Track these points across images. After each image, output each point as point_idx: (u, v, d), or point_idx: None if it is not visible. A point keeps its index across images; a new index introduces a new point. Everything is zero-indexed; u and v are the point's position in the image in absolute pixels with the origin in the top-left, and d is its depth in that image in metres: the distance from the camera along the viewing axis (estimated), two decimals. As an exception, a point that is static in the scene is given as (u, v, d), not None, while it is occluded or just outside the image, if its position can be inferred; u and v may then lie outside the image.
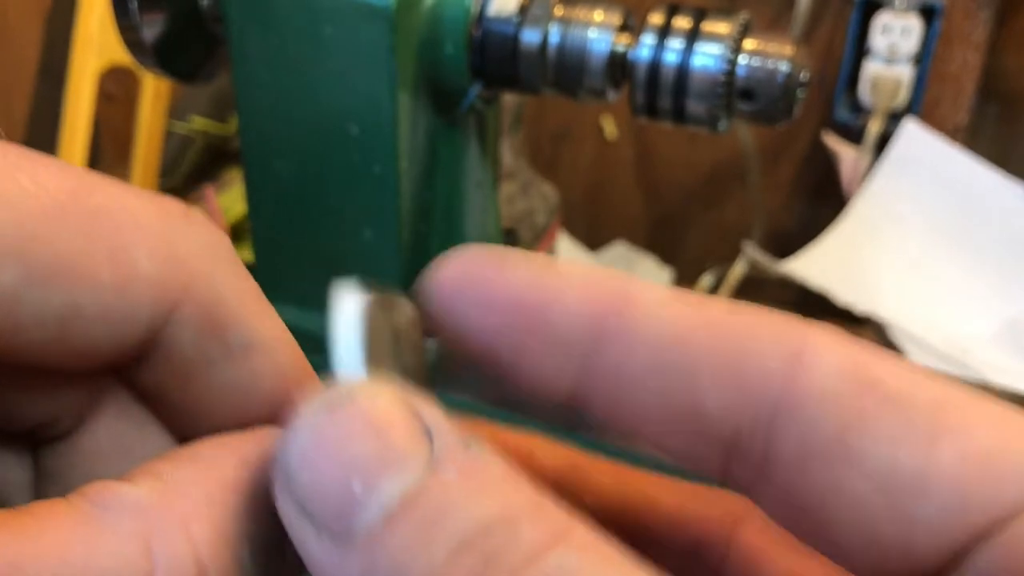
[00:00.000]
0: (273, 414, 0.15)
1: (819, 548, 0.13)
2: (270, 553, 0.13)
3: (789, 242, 0.79)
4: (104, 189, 0.14)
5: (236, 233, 0.72)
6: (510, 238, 0.46)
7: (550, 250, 0.69)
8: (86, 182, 0.13)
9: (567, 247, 0.82)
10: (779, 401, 0.13)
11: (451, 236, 0.40)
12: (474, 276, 0.15)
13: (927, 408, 0.13)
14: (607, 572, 0.11)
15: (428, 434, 0.12)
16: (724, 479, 0.14)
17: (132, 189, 0.14)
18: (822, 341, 0.14)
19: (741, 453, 0.14)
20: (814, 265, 0.70)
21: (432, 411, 0.13)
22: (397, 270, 0.38)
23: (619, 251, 0.85)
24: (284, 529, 0.13)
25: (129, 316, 0.13)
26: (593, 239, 0.87)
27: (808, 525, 0.13)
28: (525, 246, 0.47)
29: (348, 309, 0.14)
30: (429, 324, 0.16)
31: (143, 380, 0.15)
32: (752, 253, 0.76)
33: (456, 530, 0.11)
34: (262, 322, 0.15)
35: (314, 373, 0.15)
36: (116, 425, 0.15)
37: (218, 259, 0.15)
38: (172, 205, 0.15)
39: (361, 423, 0.12)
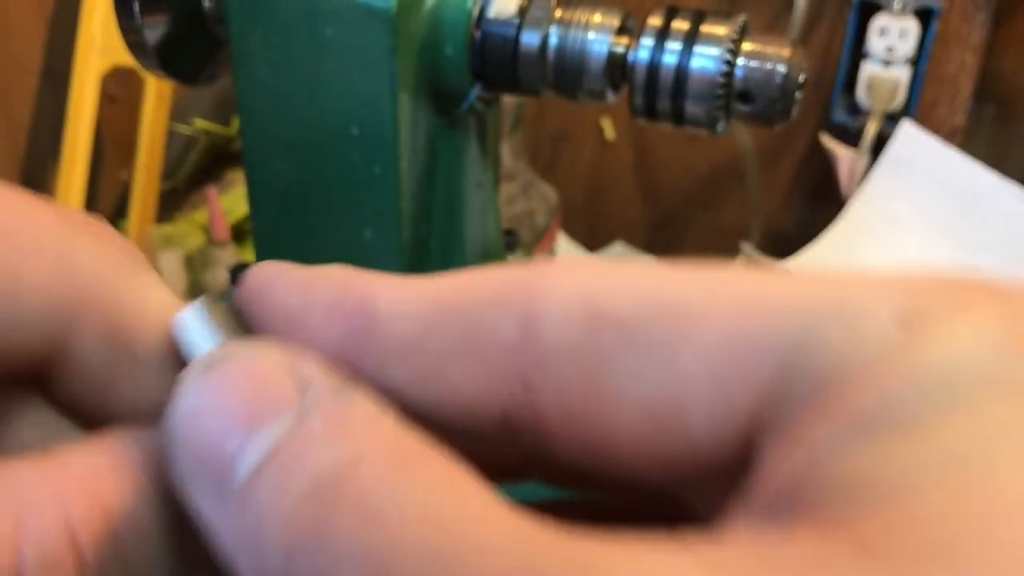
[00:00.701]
0: None
1: (618, 481, 0.13)
2: (178, 535, 0.13)
3: (787, 243, 0.79)
4: (2, 202, 0.14)
5: (238, 233, 0.72)
6: (510, 239, 0.46)
7: (550, 251, 0.70)
8: None
9: (566, 248, 0.82)
10: (525, 370, 0.13)
11: (451, 237, 0.40)
12: (255, 291, 0.15)
13: (659, 325, 0.12)
14: (445, 503, 0.11)
15: (304, 386, 0.12)
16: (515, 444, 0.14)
17: (35, 202, 0.14)
18: (552, 285, 0.13)
19: (516, 425, 0.13)
20: (812, 265, 0.71)
21: (310, 364, 0.13)
22: (397, 270, 0.38)
23: (618, 252, 0.86)
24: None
25: (20, 325, 0.14)
26: (592, 240, 0.87)
27: (601, 466, 0.13)
28: (525, 247, 0.47)
29: (189, 308, 0.15)
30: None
31: (59, 392, 0.15)
32: (750, 254, 0.76)
33: (307, 478, 0.11)
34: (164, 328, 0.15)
35: None
36: (34, 434, 0.15)
37: (121, 271, 0.15)
38: (75, 217, 0.15)
39: (236, 380, 0.12)
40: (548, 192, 0.69)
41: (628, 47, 0.35)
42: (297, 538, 0.11)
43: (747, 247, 0.77)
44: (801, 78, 0.34)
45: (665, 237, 0.87)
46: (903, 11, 0.68)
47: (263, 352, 0.13)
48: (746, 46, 0.34)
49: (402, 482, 0.11)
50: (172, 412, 0.13)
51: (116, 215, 0.78)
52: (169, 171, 0.76)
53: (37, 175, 0.71)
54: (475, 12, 0.35)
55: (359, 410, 0.12)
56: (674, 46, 0.34)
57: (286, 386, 0.12)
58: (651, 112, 0.35)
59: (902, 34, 0.68)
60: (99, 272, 0.14)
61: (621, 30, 0.35)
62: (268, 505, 0.11)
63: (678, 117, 0.35)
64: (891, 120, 0.71)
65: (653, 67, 0.34)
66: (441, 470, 0.11)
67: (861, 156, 0.71)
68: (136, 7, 0.35)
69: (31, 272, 0.14)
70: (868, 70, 0.71)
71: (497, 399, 0.13)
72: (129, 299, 0.15)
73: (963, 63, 0.69)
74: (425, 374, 0.14)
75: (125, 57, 0.37)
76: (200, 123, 0.77)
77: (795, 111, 0.35)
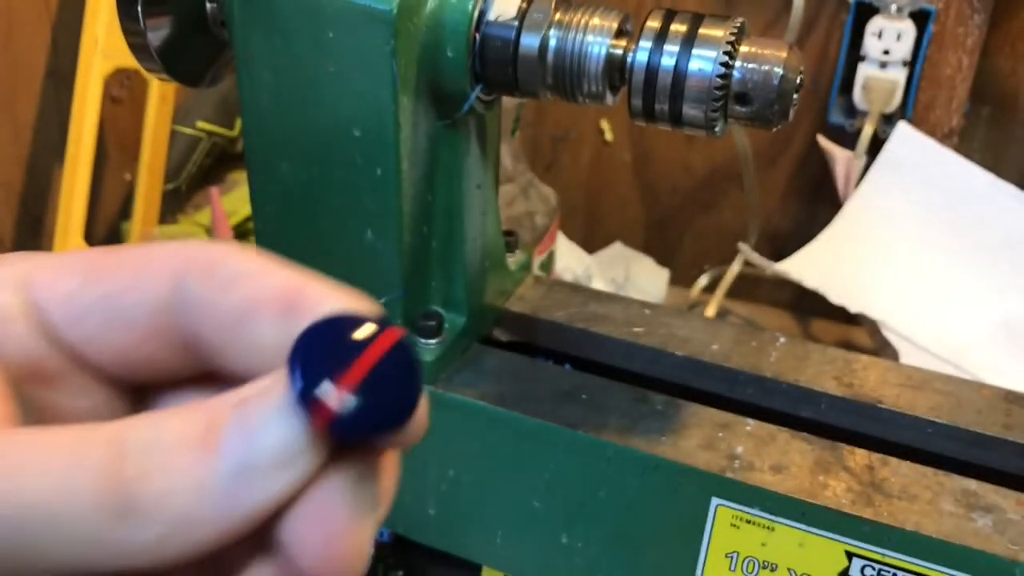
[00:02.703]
0: (285, 311, 0.18)
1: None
2: None
3: (784, 243, 0.79)
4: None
5: (241, 234, 0.72)
6: (510, 240, 0.46)
7: (550, 251, 0.70)
8: None
9: (566, 248, 0.82)
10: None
11: (451, 238, 0.40)
12: None
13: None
14: None
15: None
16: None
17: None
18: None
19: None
20: (809, 266, 0.71)
21: None
22: (398, 271, 0.38)
23: (617, 252, 0.86)
24: None
25: (146, 285, 0.19)
26: (591, 240, 0.88)
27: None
28: (525, 247, 0.48)
29: None
30: None
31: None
32: (748, 254, 0.76)
33: None
34: (251, 261, 0.19)
35: (309, 276, 0.19)
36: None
37: (216, 242, 0.19)
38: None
39: None
40: (547, 193, 0.69)
41: (626, 49, 0.35)
42: None
43: (744, 247, 0.77)
44: (798, 80, 0.34)
45: (663, 237, 0.87)
46: (899, 13, 0.68)
47: None
48: (743, 48, 0.34)
49: None
50: None
51: (120, 216, 0.78)
52: (172, 172, 0.76)
53: (41, 176, 0.72)
54: (475, 15, 0.35)
55: None
56: (672, 48, 0.34)
57: None
58: (649, 114, 0.35)
59: (898, 36, 0.69)
60: (204, 245, 0.19)
61: (619, 32, 0.35)
62: None
63: (676, 119, 0.35)
64: (887, 121, 0.72)
65: (651, 69, 0.34)
66: None
67: (858, 157, 0.71)
68: (139, 10, 0.36)
69: (156, 250, 0.20)
70: (865, 72, 0.71)
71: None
72: (214, 248, 0.20)
73: (959, 65, 0.70)
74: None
75: (128, 59, 0.37)
76: (203, 125, 0.77)
77: (792, 113, 0.35)
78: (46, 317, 0.19)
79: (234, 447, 0.16)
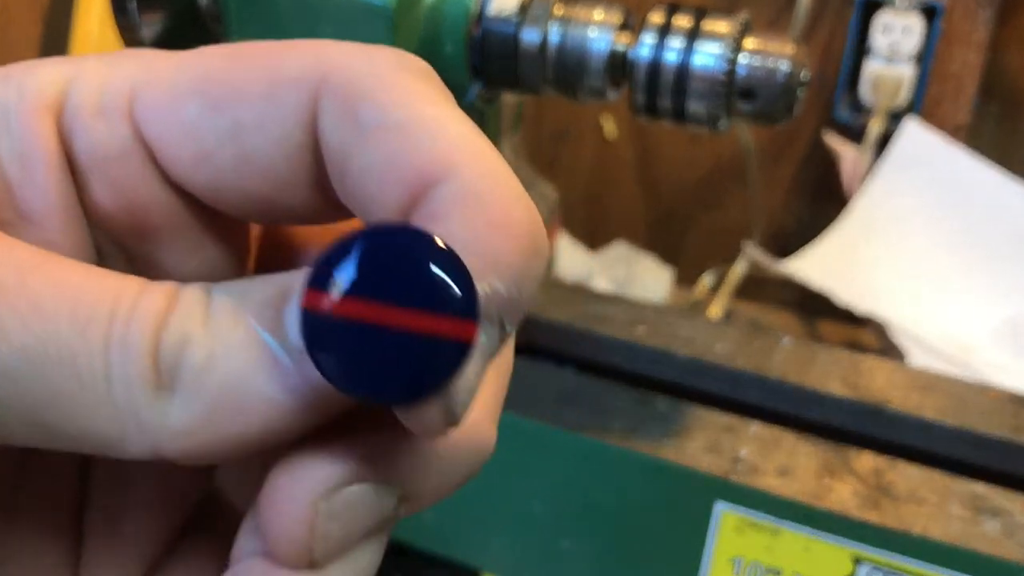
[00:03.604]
0: (413, 199, 0.14)
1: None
2: None
3: (789, 241, 0.79)
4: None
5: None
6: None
7: (550, 249, 0.69)
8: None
9: (567, 246, 0.82)
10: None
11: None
12: None
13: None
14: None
15: None
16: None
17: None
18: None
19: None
20: (814, 265, 0.70)
21: None
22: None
23: (619, 251, 0.85)
24: None
25: (279, 118, 0.15)
26: (593, 238, 0.87)
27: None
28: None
29: None
30: None
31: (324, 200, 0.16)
32: (752, 253, 0.76)
33: None
34: (407, 106, 0.15)
35: (485, 149, 0.14)
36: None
37: (367, 55, 0.15)
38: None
39: None
40: (548, 190, 0.69)
41: (629, 44, 0.35)
42: None
43: (749, 246, 0.76)
44: (803, 75, 0.34)
45: (666, 235, 0.87)
46: (906, 8, 0.68)
47: None
48: (748, 43, 0.34)
49: None
50: None
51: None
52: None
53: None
54: (475, 9, 0.35)
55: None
56: (675, 43, 0.34)
57: None
58: (652, 110, 0.35)
59: (905, 31, 0.68)
60: (341, 55, 0.15)
61: (622, 27, 0.35)
62: None
63: (679, 115, 0.35)
64: (894, 118, 0.71)
65: (654, 64, 0.34)
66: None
67: (864, 154, 0.71)
68: (132, 4, 0.35)
69: (287, 69, 0.15)
70: (871, 67, 0.70)
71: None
72: (368, 75, 0.15)
73: (967, 60, 0.69)
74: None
75: (121, 55, 0.37)
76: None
77: (797, 109, 0.34)
78: (163, 154, 0.16)
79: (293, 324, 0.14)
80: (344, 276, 0.13)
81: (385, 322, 0.13)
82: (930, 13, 0.68)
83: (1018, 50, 0.71)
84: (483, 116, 0.40)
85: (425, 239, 0.13)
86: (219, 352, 0.14)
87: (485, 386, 0.16)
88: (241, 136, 0.15)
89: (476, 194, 0.14)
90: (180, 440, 0.14)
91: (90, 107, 0.16)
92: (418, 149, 0.14)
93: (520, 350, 0.44)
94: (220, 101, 0.15)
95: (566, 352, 0.44)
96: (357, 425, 0.15)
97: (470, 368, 0.14)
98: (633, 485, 0.36)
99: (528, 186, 0.72)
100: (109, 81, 0.16)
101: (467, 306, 0.13)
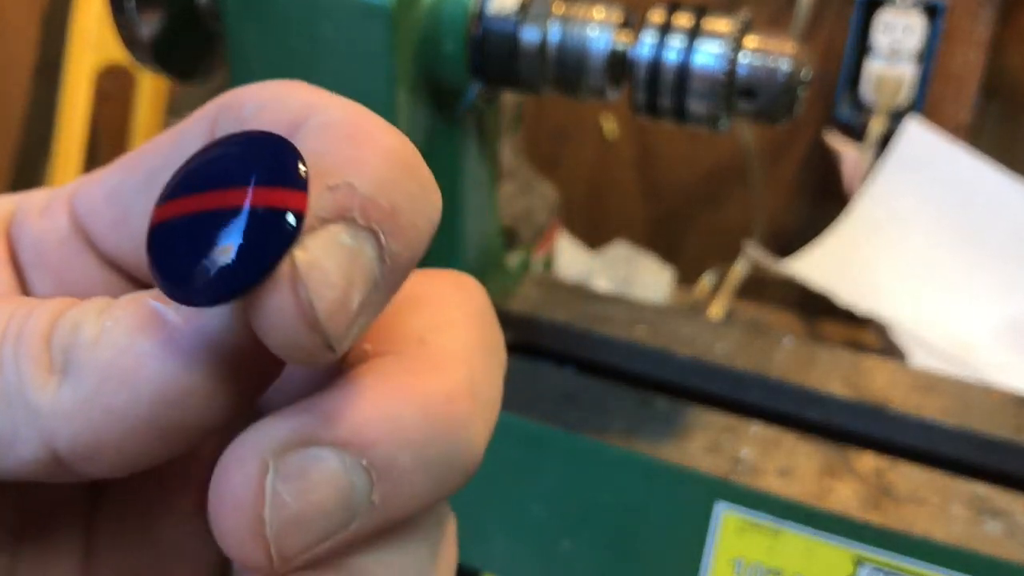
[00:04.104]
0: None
1: None
2: None
3: (790, 241, 0.78)
4: None
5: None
6: (510, 237, 0.46)
7: (550, 249, 0.69)
8: None
9: (567, 246, 0.82)
10: None
11: (450, 235, 0.40)
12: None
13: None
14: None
15: None
16: None
17: None
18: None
19: None
20: (816, 265, 0.70)
21: None
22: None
23: (620, 250, 0.85)
24: None
25: (186, 154, 0.15)
26: (593, 238, 0.87)
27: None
28: (525, 245, 0.47)
29: None
30: None
31: None
32: (753, 252, 0.76)
33: None
34: (287, 94, 0.15)
35: (358, 104, 0.15)
36: None
37: (262, 84, 0.16)
38: None
39: None
40: (548, 190, 0.69)
41: (629, 43, 0.35)
42: None
43: (750, 245, 0.76)
44: (804, 74, 0.34)
45: (667, 235, 0.87)
46: (908, 6, 0.68)
47: None
48: (749, 42, 0.34)
49: None
50: None
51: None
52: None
53: (31, 172, 0.71)
54: (475, 8, 0.35)
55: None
56: (676, 42, 0.34)
57: None
58: (653, 109, 0.35)
59: (907, 30, 0.68)
60: (245, 88, 0.16)
61: (622, 26, 0.35)
62: None
63: (680, 114, 0.34)
64: (896, 117, 0.71)
65: (655, 63, 0.34)
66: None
67: (865, 153, 0.70)
68: (131, 3, 0.35)
69: (194, 116, 0.16)
70: (872, 66, 0.70)
71: None
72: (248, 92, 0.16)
73: (969, 59, 0.69)
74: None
75: (119, 54, 0.37)
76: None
77: (798, 108, 0.34)
78: (91, 229, 0.17)
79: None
80: (172, 182, 0.14)
81: (206, 208, 0.13)
82: (931, 12, 0.68)
83: (1020, 49, 0.71)
84: (482, 116, 0.39)
85: (254, 135, 0.14)
86: (108, 326, 0.13)
87: (466, 358, 0.15)
88: (153, 187, 0.15)
89: (338, 120, 0.14)
90: (71, 423, 0.13)
91: (36, 211, 0.17)
92: (291, 105, 0.15)
93: (520, 350, 0.44)
94: (135, 162, 0.16)
95: (566, 352, 0.44)
96: (314, 400, 0.14)
97: (330, 265, 0.13)
98: (633, 486, 0.36)
99: (528, 186, 0.72)
100: (56, 191, 0.17)
101: (285, 175, 0.13)
